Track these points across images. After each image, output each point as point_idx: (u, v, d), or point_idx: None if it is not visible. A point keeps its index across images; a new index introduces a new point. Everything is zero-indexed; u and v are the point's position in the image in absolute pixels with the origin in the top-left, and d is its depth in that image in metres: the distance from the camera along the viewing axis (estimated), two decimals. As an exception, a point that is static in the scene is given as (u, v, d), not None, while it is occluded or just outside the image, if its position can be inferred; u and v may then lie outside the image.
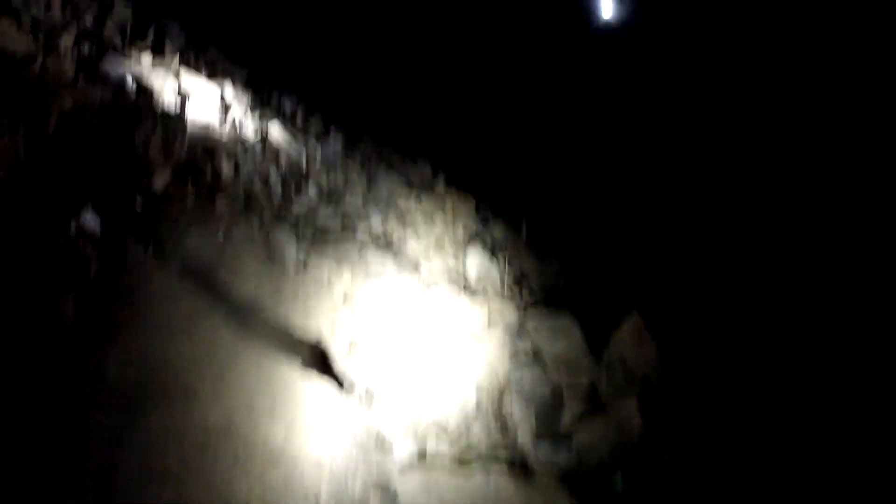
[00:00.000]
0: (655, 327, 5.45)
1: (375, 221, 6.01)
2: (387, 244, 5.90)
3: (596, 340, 5.70)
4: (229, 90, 6.64)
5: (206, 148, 5.50)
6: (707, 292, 6.15)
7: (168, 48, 6.74)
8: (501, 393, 5.17)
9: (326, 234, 5.44)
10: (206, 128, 5.76)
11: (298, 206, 5.62)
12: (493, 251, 7.22)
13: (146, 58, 6.15)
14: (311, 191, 5.89)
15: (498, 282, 6.40)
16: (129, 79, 5.60)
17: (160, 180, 4.97)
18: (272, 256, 4.93)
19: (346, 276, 5.16)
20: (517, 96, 10.45)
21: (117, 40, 6.21)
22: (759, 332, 5.77)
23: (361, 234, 5.68)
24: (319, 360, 4.63)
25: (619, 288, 6.47)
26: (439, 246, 6.63)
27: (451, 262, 6.37)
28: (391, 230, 6.11)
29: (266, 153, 6.00)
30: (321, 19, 9.65)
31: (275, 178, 5.80)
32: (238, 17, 8.43)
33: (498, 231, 8.06)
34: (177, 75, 6.18)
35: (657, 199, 8.26)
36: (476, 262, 6.53)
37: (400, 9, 10.00)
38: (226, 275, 4.65)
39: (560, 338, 5.69)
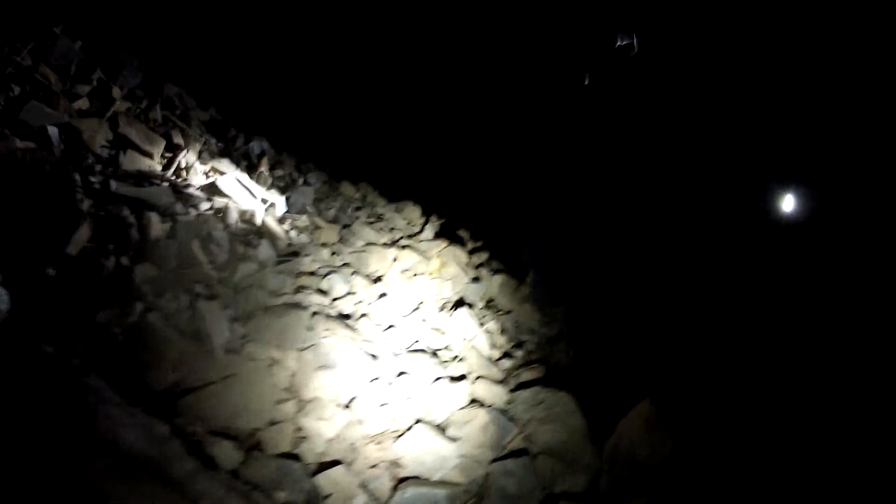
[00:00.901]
0: (671, 418, 4.55)
1: (339, 285, 5.21)
2: (347, 315, 5.04)
3: (598, 427, 4.82)
4: (180, 135, 5.91)
5: (136, 203, 4.76)
6: (730, 378, 5.25)
7: (117, 89, 6.07)
8: (480, 499, 4.27)
9: (273, 304, 4.64)
10: (143, 180, 5.03)
11: (243, 271, 4.83)
12: (484, 312, 6.42)
13: (83, 102, 5.49)
14: (264, 251, 5.11)
15: (486, 351, 5.54)
16: (54, 129, 4.92)
17: (76, 243, 4.24)
18: (198, 335, 4.14)
19: (293, 358, 4.34)
20: (521, 130, 9.74)
21: (54, 81, 5.55)
22: (788, 427, 4.87)
23: (318, 303, 4.87)
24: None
25: (632, 364, 5.61)
26: (418, 308, 5.81)
27: (430, 328, 5.54)
28: (357, 294, 5.30)
29: (214, 207, 5.25)
30: (291, 58, 9.00)
31: (221, 237, 5.04)
32: (204, 52, 7.75)
33: (494, 285, 7.24)
34: (114, 121, 5.48)
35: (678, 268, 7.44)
36: (461, 327, 5.72)
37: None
38: (139, 362, 3.87)
39: (557, 424, 4.78)
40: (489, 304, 6.41)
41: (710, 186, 7.16)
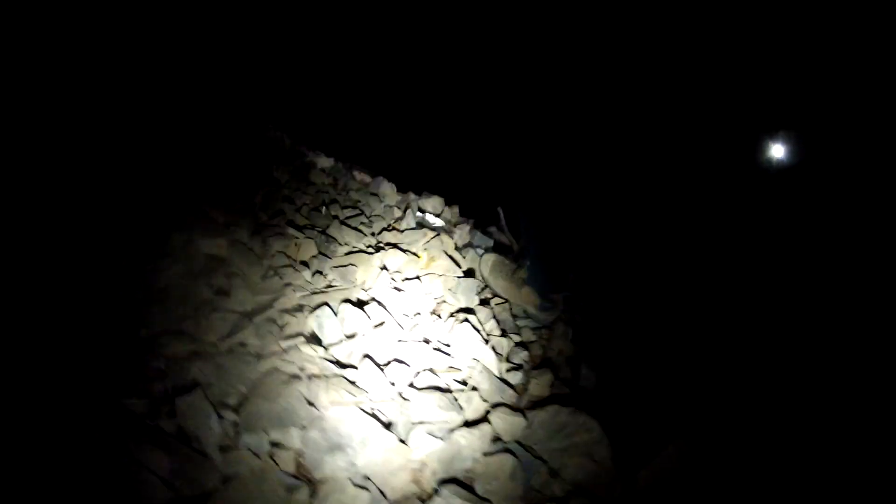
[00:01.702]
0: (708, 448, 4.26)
1: (329, 324, 4.67)
2: (347, 365, 4.34)
3: (626, 452, 4.51)
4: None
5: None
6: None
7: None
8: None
9: (263, 375, 4.11)
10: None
11: (220, 329, 4.28)
12: (483, 310, 5.95)
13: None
14: (238, 296, 4.54)
15: (495, 369, 5.11)
16: None
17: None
18: (186, 437, 3.65)
19: (296, 437, 3.87)
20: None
21: None
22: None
23: (311, 358, 4.36)
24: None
25: (648, 367, 5.29)
26: (416, 325, 5.31)
27: (433, 349, 5.07)
28: (351, 328, 4.76)
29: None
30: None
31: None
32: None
33: (486, 267, 6.73)
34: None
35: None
36: (466, 343, 5.22)
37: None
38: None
39: (584, 458, 4.44)
40: (485, 297, 5.96)
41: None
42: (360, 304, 4.87)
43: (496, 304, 6.03)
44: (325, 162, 7.41)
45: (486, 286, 6.39)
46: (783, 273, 6.67)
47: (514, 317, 6.00)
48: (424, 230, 6.34)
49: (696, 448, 4.12)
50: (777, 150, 7.26)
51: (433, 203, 7.67)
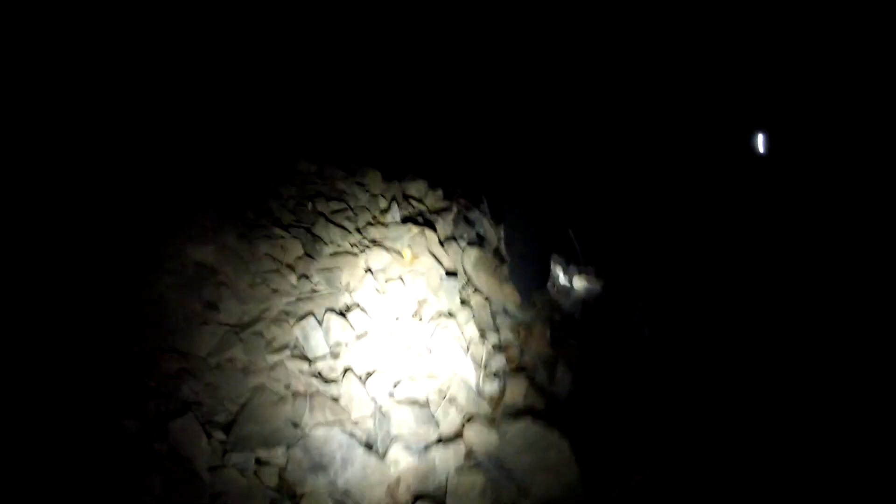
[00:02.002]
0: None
1: (314, 336, 4.86)
2: (330, 381, 4.48)
3: (594, 472, 4.74)
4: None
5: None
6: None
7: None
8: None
9: (252, 390, 4.28)
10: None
11: (209, 344, 4.43)
12: (463, 310, 6.13)
13: None
14: (227, 307, 4.68)
15: (473, 381, 5.28)
16: None
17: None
18: (177, 458, 3.82)
19: (280, 455, 4.08)
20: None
21: None
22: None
23: (297, 373, 4.54)
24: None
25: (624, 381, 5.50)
26: (395, 331, 5.49)
27: (415, 355, 5.26)
28: (335, 339, 4.95)
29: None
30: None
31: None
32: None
33: (469, 261, 6.90)
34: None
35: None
36: (445, 351, 5.42)
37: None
38: None
39: (551, 476, 4.67)
40: (465, 297, 6.12)
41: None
42: (345, 311, 5.03)
43: (477, 303, 6.21)
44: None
45: (469, 281, 6.55)
46: (779, 275, 6.80)
47: (494, 315, 6.19)
48: (409, 225, 6.44)
49: (663, 476, 4.37)
50: (767, 145, 7.27)
51: (417, 187, 7.74)
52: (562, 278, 8.22)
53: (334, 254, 5.59)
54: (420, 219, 6.91)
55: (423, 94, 8.97)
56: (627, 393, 5.42)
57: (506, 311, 6.41)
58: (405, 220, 6.61)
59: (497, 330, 6.02)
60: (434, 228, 6.76)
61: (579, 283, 8.28)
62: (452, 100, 8.85)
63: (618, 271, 6.89)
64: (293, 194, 6.27)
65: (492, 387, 5.25)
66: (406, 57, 8.98)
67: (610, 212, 6.84)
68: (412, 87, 9.02)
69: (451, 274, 6.17)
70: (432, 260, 6.15)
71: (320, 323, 4.76)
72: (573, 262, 8.36)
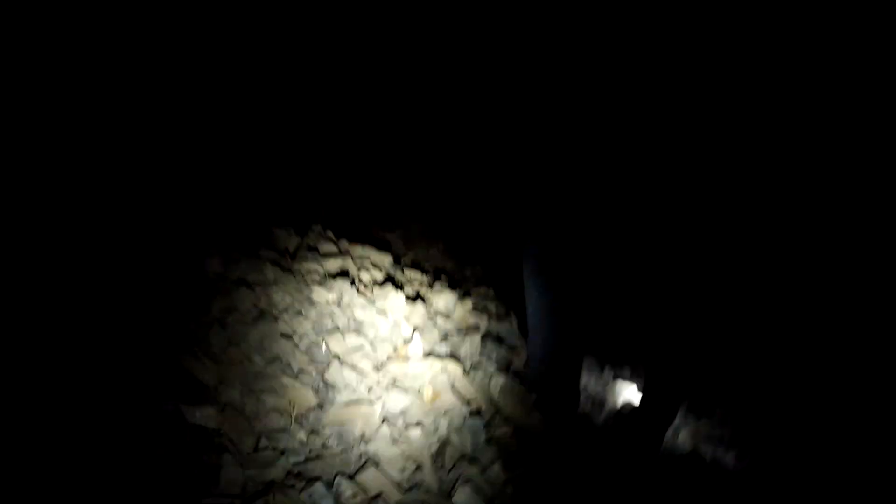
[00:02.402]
0: None
1: None
2: None
3: None
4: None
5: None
6: None
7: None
8: None
9: None
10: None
11: None
12: (488, 463, 5.69)
13: None
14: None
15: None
16: None
17: None
18: None
19: None
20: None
21: None
22: None
23: None
24: None
25: None
26: (412, 487, 5.05)
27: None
28: None
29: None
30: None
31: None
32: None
33: (495, 389, 6.48)
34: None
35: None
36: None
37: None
38: None
39: None
40: (490, 436, 5.67)
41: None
42: (357, 471, 4.64)
43: (503, 438, 5.76)
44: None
45: (497, 412, 6.13)
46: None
47: (520, 447, 5.72)
48: (431, 359, 6.11)
49: None
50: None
51: (445, 299, 7.41)
52: (594, 387, 7.71)
53: (349, 403, 5.25)
54: (444, 347, 6.57)
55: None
56: None
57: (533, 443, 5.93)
58: (427, 354, 6.28)
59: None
60: (458, 358, 6.42)
61: (615, 393, 7.76)
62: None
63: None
64: (307, 330, 6.02)
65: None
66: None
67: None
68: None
69: (474, 414, 5.76)
70: (455, 399, 5.77)
71: (329, 487, 4.37)
72: (608, 363, 7.75)
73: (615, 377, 7.69)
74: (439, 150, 9.56)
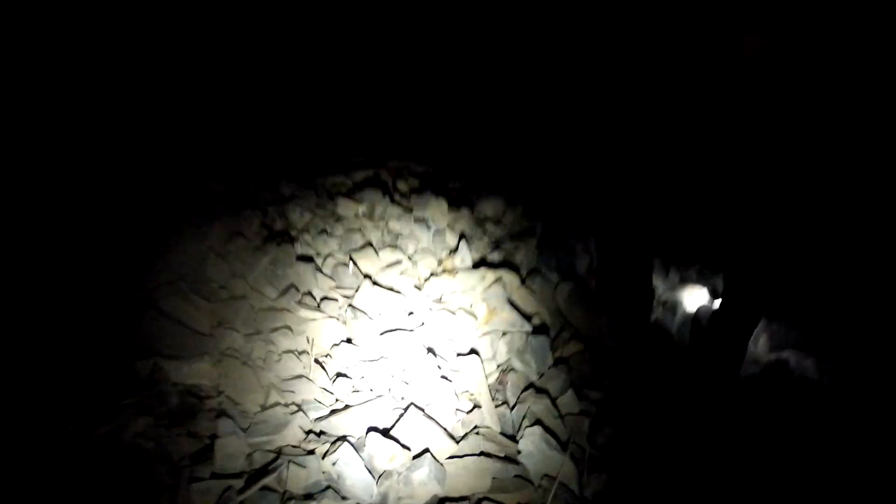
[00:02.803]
0: None
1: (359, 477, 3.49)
2: None
3: None
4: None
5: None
6: None
7: None
8: None
9: None
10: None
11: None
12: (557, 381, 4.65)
13: None
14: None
15: (573, 484, 3.86)
16: None
17: None
18: None
19: None
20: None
21: None
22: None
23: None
24: None
25: None
26: (470, 432, 4.07)
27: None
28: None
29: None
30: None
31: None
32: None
33: (561, 297, 5.37)
34: None
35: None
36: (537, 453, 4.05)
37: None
38: None
39: None
40: (560, 356, 4.64)
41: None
42: (396, 422, 3.69)
43: (574, 358, 4.75)
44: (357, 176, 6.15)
45: (564, 326, 5.12)
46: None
47: (593, 366, 4.70)
48: (483, 270, 5.06)
49: None
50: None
51: (493, 206, 6.37)
52: (662, 290, 6.66)
53: (384, 332, 4.27)
54: (496, 255, 5.51)
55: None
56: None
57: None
58: (477, 264, 5.23)
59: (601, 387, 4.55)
60: (515, 267, 5.35)
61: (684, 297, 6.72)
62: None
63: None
64: (332, 251, 5.03)
65: (598, 483, 3.78)
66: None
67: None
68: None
69: (538, 331, 4.72)
70: (514, 314, 4.73)
71: (358, 449, 3.44)
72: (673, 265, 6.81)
73: (681, 280, 6.72)
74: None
